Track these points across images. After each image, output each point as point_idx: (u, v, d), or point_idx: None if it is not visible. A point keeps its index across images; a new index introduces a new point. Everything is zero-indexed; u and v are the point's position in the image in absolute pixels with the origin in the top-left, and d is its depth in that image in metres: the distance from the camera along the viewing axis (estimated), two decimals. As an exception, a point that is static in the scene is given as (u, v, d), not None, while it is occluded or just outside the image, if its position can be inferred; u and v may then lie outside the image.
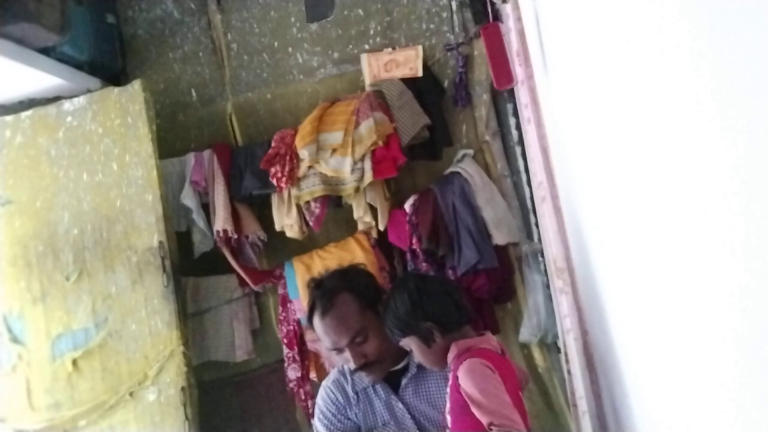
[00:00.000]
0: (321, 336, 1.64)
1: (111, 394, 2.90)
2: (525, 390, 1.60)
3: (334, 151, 2.84)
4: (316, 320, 1.63)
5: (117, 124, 3.03)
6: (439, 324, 1.42)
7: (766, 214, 0.63)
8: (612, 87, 1.15)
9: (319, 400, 1.74)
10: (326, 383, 1.75)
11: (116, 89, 3.08)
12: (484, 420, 1.24)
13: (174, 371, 2.85)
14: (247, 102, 3.30)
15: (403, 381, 1.64)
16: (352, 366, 1.61)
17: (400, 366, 1.65)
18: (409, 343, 1.47)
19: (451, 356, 1.40)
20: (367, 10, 3.17)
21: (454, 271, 2.82)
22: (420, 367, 1.61)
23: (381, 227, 2.92)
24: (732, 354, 0.80)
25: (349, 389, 1.70)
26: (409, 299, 1.44)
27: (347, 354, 1.60)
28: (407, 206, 2.89)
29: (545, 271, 2.80)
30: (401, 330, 1.46)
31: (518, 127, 2.93)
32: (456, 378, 1.34)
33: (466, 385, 1.29)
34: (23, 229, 3.08)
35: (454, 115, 3.07)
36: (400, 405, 1.62)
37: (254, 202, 3.12)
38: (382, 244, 2.98)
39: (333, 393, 1.71)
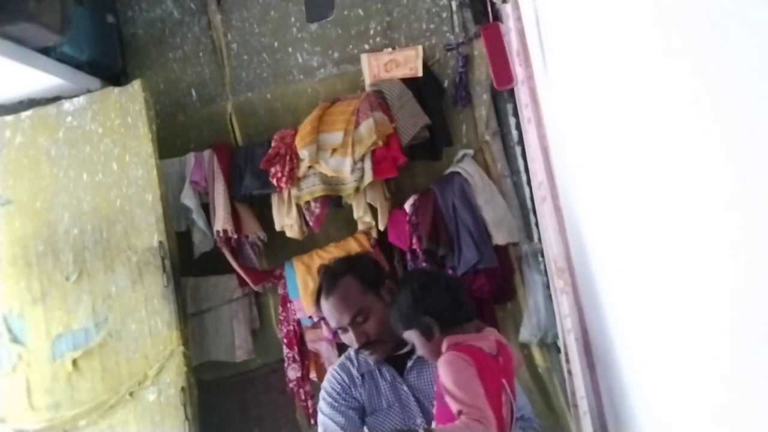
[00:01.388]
0: (326, 316, 1.75)
1: (111, 394, 2.90)
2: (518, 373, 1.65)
3: (334, 151, 2.84)
4: (322, 301, 1.74)
5: (117, 124, 3.03)
6: (438, 319, 1.48)
7: (765, 213, 0.63)
8: (612, 87, 1.15)
9: (325, 382, 1.80)
10: (333, 367, 1.82)
11: (116, 89, 3.08)
12: (454, 408, 1.31)
13: (174, 371, 2.85)
14: (247, 102, 3.30)
15: (408, 364, 1.70)
16: (355, 345, 1.68)
17: (406, 350, 1.70)
18: (411, 336, 1.54)
19: (442, 349, 1.45)
20: (367, 10, 3.17)
21: (454, 271, 2.82)
22: None
23: (381, 227, 2.92)
24: (732, 353, 0.80)
25: (354, 371, 1.75)
26: (412, 294, 1.51)
27: (351, 334, 1.68)
28: (407, 206, 2.89)
29: (545, 271, 2.80)
30: (403, 323, 1.53)
31: (518, 127, 2.93)
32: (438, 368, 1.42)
33: (443, 375, 1.37)
34: (23, 229, 3.08)
35: (454, 115, 3.07)
36: (405, 387, 1.67)
37: (254, 202, 3.12)
38: (382, 244, 2.98)
39: (338, 374, 1.77)
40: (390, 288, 1.74)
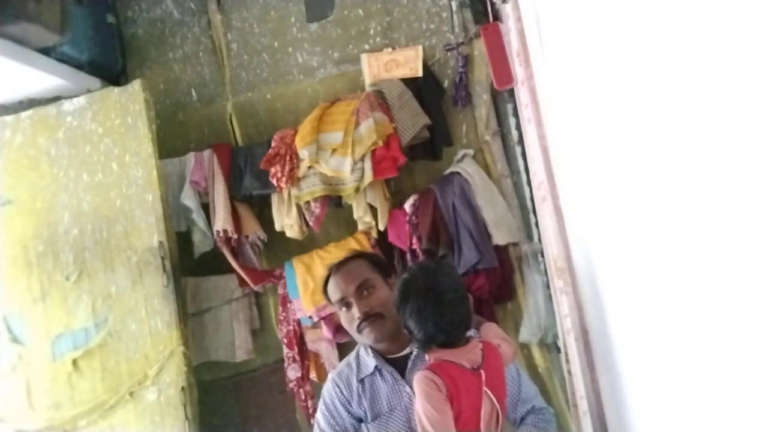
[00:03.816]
0: (331, 293, 1.74)
1: (111, 394, 2.90)
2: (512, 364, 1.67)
3: (334, 151, 2.84)
4: (330, 279, 1.74)
5: (117, 124, 3.03)
6: (428, 344, 1.49)
7: (766, 212, 0.63)
8: (612, 87, 1.16)
9: (324, 391, 1.78)
10: (332, 375, 1.80)
11: (116, 89, 3.08)
12: None
13: (174, 371, 2.85)
14: (247, 102, 3.30)
15: (409, 365, 1.68)
16: (358, 319, 1.66)
17: (407, 351, 1.70)
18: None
19: (427, 358, 1.50)
20: (367, 10, 3.17)
21: (454, 271, 2.82)
22: None
23: (381, 227, 2.92)
24: (732, 354, 0.80)
25: (353, 379, 1.72)
26: (405, 321, 1.50)
27: (354, 310, 1.67)
28: (407, 206, 2.89)
29: (545, 271, 2.80)
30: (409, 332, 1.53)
31: (518, 127, 2.93)
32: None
33: (416, 398, 1.42)
34: (23, 229, 3.08)
35: (454, 115, 3.07)
36: (407, 389, 1.64)
37: (254, 202, 3.12)
38: (382, 244, 2.98)
39: (337, 386, 1.74)
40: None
